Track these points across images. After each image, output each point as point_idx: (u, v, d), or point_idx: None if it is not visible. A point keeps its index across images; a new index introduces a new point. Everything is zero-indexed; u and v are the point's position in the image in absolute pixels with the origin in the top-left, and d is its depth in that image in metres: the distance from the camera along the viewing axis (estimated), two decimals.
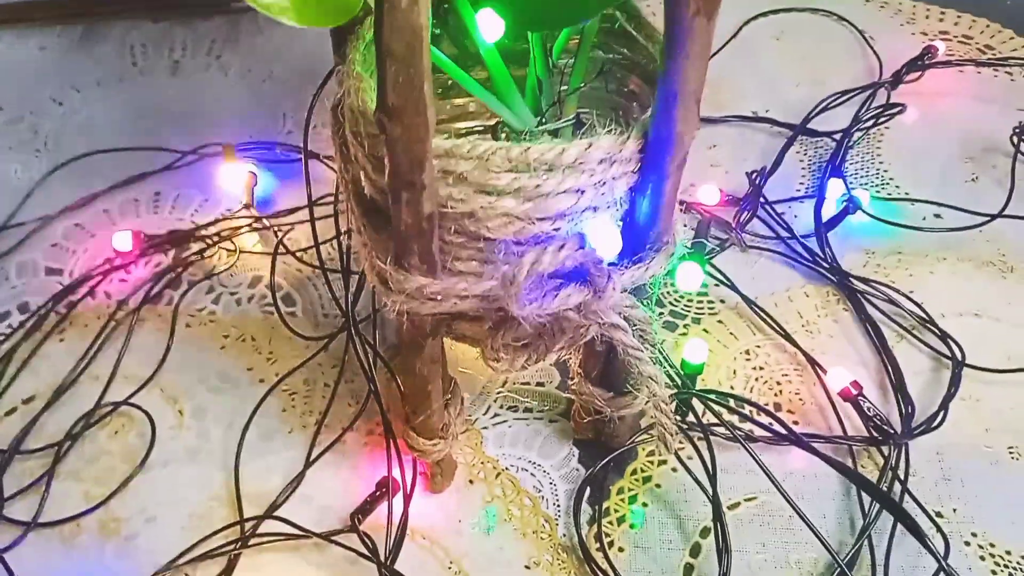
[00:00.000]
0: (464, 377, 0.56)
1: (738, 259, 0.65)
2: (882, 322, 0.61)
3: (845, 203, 0.66)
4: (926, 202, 0.68)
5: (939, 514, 0.51)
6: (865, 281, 0.63)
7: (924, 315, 0.61)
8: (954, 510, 0.51)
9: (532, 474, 0.53)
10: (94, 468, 0.54)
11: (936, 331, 0.60)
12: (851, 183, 0.70)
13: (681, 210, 0.66)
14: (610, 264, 0.40)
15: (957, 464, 0.54)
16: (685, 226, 0.66)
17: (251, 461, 0.54)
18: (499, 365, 0.44)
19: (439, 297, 0.40)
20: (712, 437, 0.53)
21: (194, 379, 0.58)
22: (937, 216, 0.68)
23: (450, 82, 0.51)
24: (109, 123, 0.76)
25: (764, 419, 0.55)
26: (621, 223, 0.41)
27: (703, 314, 0.62)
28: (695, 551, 0.50)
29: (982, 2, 0.87)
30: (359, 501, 0.50)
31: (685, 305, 0.62)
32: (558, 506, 0.52)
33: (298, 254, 0.64)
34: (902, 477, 0.52)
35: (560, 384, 0.57)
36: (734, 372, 0.58)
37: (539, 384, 0.58)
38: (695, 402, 0.54)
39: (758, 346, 0.60)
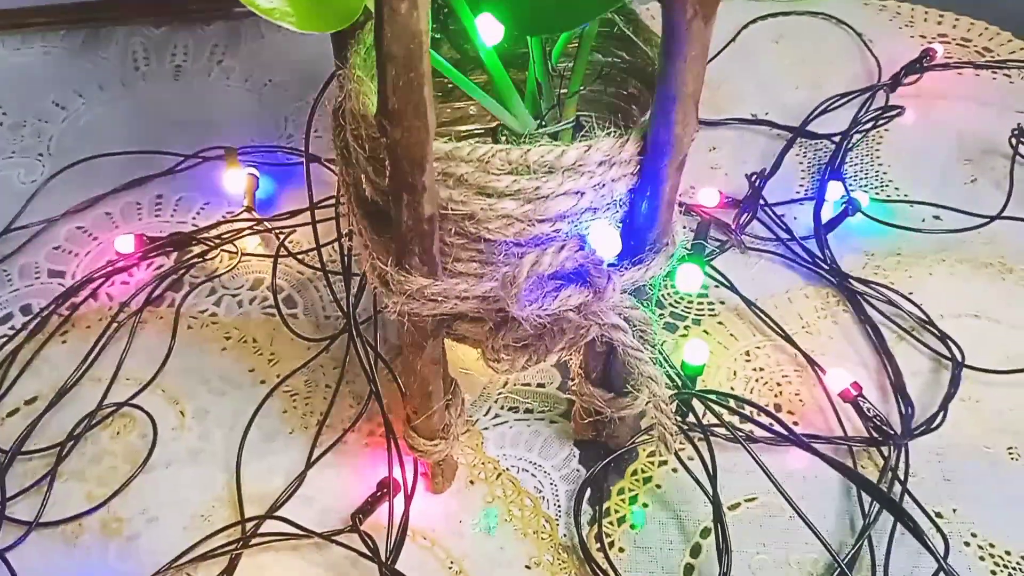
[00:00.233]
0: (465, 378, 0.56)
1: (738, 261, 0.65)
2: (882, 323, 0.61)
3: (844, 205, 0.67)
4: (925, 204, 0.69)
5: (939, 514, 0.51)
6: (865, 282, 0.63)
7: (924, 316, 0.61)
8: (954, 510, 0.52)
9: (533, 475, 0.53)
10: (96, 468, 0.54)
11: (935, 332, 0.60)
12: (850, 185, 0.70)
13: (681, 212, 0.66)
14: (610, 265, 0.40)
15: (957, 465, 0.54)
16: (684, 227, 0.66)
17: (252, 462, 0.54)
18: (500, 366, 0.44)
19: (440, 298, 0.40)
20: (712, 437, 0.53)
21: (196, 380, 0.58)
22: (936, 218, 0.68)
23: (450, 85, 0.51)
24: (112, 127, 0.76)
25: (764, 420, 0.55)
26: (621, 225, 0.41)
27: (703, 315, 0.62)
28: (695, 551, 0.50)
29: (981, 4, 0.88)
30: (360, 501, 0.50)
31: (685, 306, 0.62)
32: (559, 506, 0.52)
33: (299, 256, 0.65)
34: (902, 478, 0.52)
35: (561, 385, 0.58)
36: (734, 373, 0.59)
37: (540, 385, 0.58)
38: (695, 403, 0.54)
39: (758, 347, 0.60)
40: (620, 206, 0.41)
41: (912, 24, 0.86)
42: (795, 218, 0.68)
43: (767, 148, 0.74)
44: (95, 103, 0.78)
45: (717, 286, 0.63)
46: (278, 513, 0.51)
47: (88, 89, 0.80)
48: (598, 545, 0.50)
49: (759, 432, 0.54)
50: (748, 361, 0.59)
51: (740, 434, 0.53)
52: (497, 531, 0.51)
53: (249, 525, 0.51)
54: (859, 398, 0.54)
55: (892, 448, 0.53)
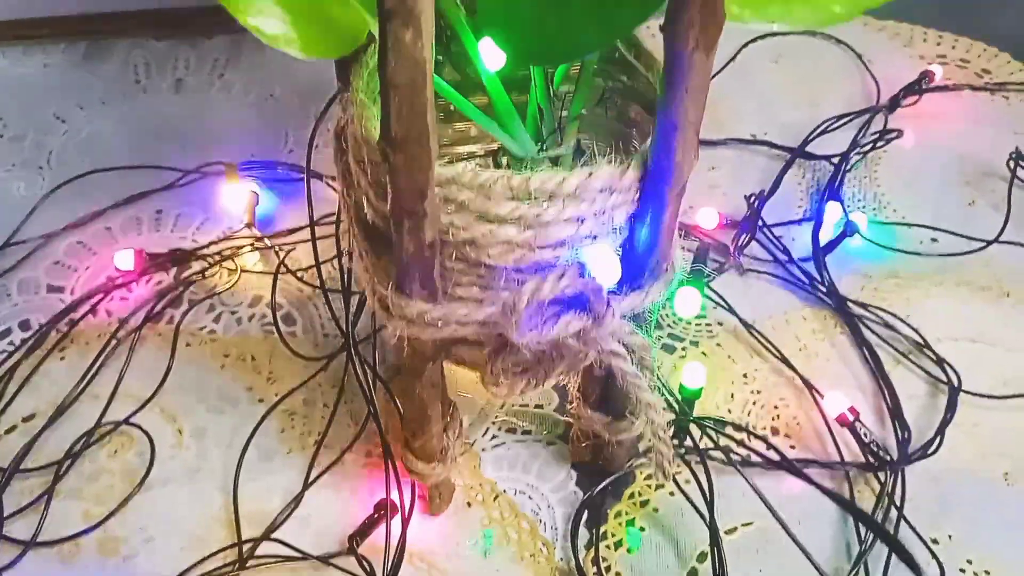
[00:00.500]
0: (463, 400, 0.56)
1: (736, 282, 0.65)
2: (879, 346, 0.61)
3: (843, 227, 0.67)
4: (923, 227, 0.69)
5: (935, 540, 0.51)
6: (862, 305, 0.63)
7: (920, 340, 0.61)
8: (949, 536, 0.52)
9: (530, 497, 0.53)
10: (94, 487, 0.54)
11: (932, 356, 0.60)
12: (848, 206, 0.70)
13: (680, 234, 0.66)
14: (609, 291, 0.41)
15: (953, 490, 0.54)
16: (684, 247, 0.66)
17: (250, 481, 0.54)
18: (498, 390, 0.44)
19: (440, 323, 0.40)
20: (710, 461, 0.53)
21: (194, 398, 0.58)
22: (934, 240, 0.69)
23: (452, 107, 0.51)
24: (112, 141, 0.76)
25: (761, 445, 0.55)
26: (620, 250, 0.41)
27: (701, 336, 0.62)
28: None
29: (979, 25, 0.88)
30: (357, 523, 0.50)
31: (683, 327, 0.62)
32: (555, 529, 0.52)
33: (299, 274, 0.65)
34: (898, 503, 0.52)
35: (558, 406, 0.58)
36: (732, 395, 0.59)
37: (538, 406, 0.58)
38: (693, 426, 0.54)
39: (756, 369, 0.60)
40: (620, 232, 0.41)
41: (911, 44, 0.87)
42: (793, 239, 0.69)
43: (766, 168, 0.74)
44: (96, 116, 0.78)
45: (715, 307, 0.63)
46: (275, 535, 0.51)
47: (89, 102, 0.80)
48: (595, 569, 0.50)
49: (755, 457, 0.54)
50: (746, 383, 0.59)
51: (737, 459, 0.53)
52: (494, 554, 0.51)
53: (246, 547, 0.50)
54: (856, 423, 0.54)
55: (888, 473, 0.53)
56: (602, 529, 0.52)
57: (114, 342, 0.61)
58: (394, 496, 0.51)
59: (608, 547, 0.51)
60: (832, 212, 0.68)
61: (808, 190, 0.73)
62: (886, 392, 0.58)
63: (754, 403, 0.58)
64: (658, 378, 0.44)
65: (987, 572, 0.50)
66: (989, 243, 0.66)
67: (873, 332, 0.62)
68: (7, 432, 0.56)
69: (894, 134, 0.74)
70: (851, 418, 0.54)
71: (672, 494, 0.53)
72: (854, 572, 0.49)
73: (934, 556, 0.50)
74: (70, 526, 0.52)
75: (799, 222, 0.70)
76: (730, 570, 0.49)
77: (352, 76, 0.42)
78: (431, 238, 0.38)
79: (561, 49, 0.30)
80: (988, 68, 0.84)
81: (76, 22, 0.86)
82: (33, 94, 0.81)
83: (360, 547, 0.49)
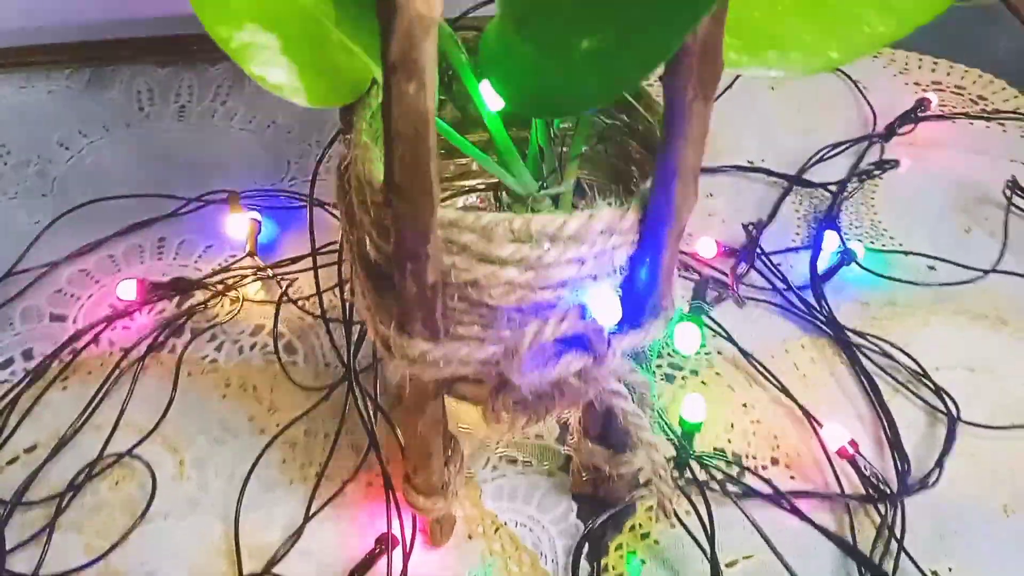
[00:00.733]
0: (464, 432, 0.57)
1: (735, 311, 0.66)
2: (877, 375, 0.62)
3: (840, 255, 0.67)
4: (920, 255, 0.69)
5: (935, 573, 0.51)
6: (860, 334, 0.64)
7: (919, 369, 0.62)
8: (949, 569, 0.52)
9: (531, 529, 0.54)
10: (95, 519, 0.54)
11: (931, 385, 0.61)
12: (846, 234, 0.71)
13: (679, 268, 0.66)
14: (610, 330, 0.41)
15: (952, 522, 0.54)
16: (683, 275, 0.67)
17: (251, 513, 0.54)
18: (500, 426, 0.44)
19: (441, 363, 0.41)
20: (710, 493, 0.53)
21: (195, 429, 0.59)
22: (931, 268, 0.69)
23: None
24: (116, 168, 0.76)
25: (761, 476, 0.55)
26: (620, 290, 0.42)
27: (701, 366, 0.62)
28: None
29: (975, 51, 0.89)
30: (358, 556, 0.50)
31: (683, 357, 0.63)
32: (556, 562, 0.52)
33: (300, 303, 0.65)
34: (898, 535, 0.52)
35: (559, 437, 0.58)
36: (732, 425, 0.59)
37: (538, 436, 0.58)
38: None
39: (756, 399, 0.61)
40: (620, 272, 0.41)
41: (907, 71, 0.88)
42: (791, 267, 0.69)
43: (764, 195, 0.75)
44: (99, 143, 0.79)
45: (715, 335, 0.64)
46: (276, 569, 0.51)
47: (93, 129, 0.80)
48: None
49: (754, 490, 0.54)
50: (746, 413, 0.60)
51: (736, 491, 0.53)
52: None
53: None
54: (856, 455, 0.54)
55: (888, 506, 0.53)
56: (603, 562, 0.52)
57: (116, 372, 0.61)
58: (395, 528, 0.51)
59: None
60: (830, 240, 0.68)
61: (806, 217, 0.73)
62: (885, 422, 0.59)
63: (754, 433, 0.59)
64: (659, 413, 0.44)
65: None
66: (986, 272, 0.67)
67: (872, 361, 0.62)
68: (9, 463, 0.57)
69: (890, 164, 0.75)
70: (851, 451, 0.54)
71: (673, 526, 0.53)
72: None
73: None
74: (72, 560, 0.52)
75: (797, 250, 0.70)
76: None
77: (355, 118, 0.42)
78: (433, 280, 0.39)
79: (562, 102, 0.31)
80: (984, 95, 0.85)
81: (80, 49, 0.87)
82: (37, 121, 0.81)
83: None
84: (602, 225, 0.39)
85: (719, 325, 0.64)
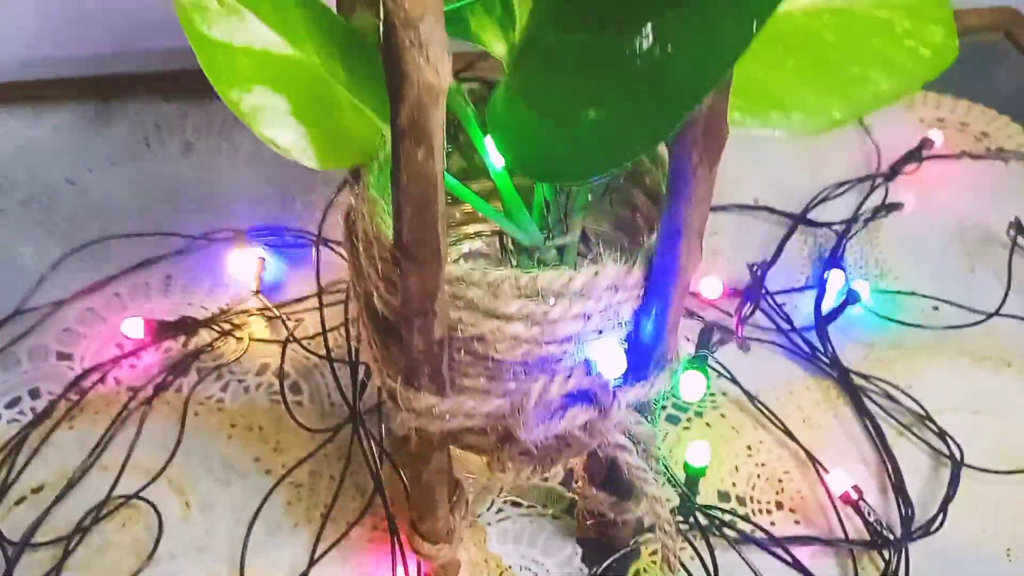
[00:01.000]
0: (469, 478, 0.57)
1: (740, 351, 0.66)
2: (881, 418, 0.62)
3: (845, 295, 0.68)
4: (924, 296, 0.69)
5: None
6: (864, 377, 0.64)
7: (922, 411, 0.62)
8: None
9: (535, 573, 0.54)
10: (102, 561, 0.54)
11: (934, 429, 0.61)
12: (850, 273, 0.71)
13: (684, 313, 0.67)
14: (615, 383, 0.41)
15: (956, 566, 0.54)
16: (688, 318, 0.67)
17: (256, 556, 0.54)
18: (505, 476, 0.44)
19: (447, 416, 0.41)
20: (714, 538, 0.53)
21: (201, 469, 0.59)
22: (935, 309, 0.69)
23: None
24: (122, 205, 0.77)
25: (766, 519, 0.55)
26: (625, 343, 0.42)
27: (705, 407, 0.63)
28: None
29: (978, 86, 0.89)
30: None
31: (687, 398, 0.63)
32: None
33: (305, 342, 0.65)
34: None
35: (564, 480, 0.58)
36: (736, 468, 0.59)
37: (543, 479, 0.58)
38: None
39: (760, 441, 0.61)
40: (625, 326, 0.41)
41: (910, 107, 0.88)
42: (796, 307, 0.69)
43: (768, 234, 0.75)
44: (106, 179, 0.80)
45: (719, 376, 0.64)
46: None
47: (99, 164, 0.81)
48: None
49: (759, 534, 0.54)
50: (750, 456, 0.60)
51: (740, 537, 0.53)
52: None
53: None
54: (860, 501, 0.54)
55: (892, 552, 0.53)
56: None
57: (123, 413, 0.61)
58: (400, 573, 0.51)
59: None
60: (835, 280, 0.69)
61: (810, 256, 0.74)
62: (889, 466, 0.59)
63: (758, 476, 0.59)
64: (664, 465, 0.44)
65: None
66: (988, 317, 0.67)
67: (875, 403, 0.63)
68: (16, 503, 0.57)
69: (895, 208, 0.75)
70: (855, 496, 0.54)
71: (677, 571, 0.53)
72: None
73: None
74: None
75: (801, 289, 0.71)
76: None
77: (363, 170, 0.43)
78: (440, 335, 0.39)
79: (567, 170, 0.31)
80: (987, 131, 0.85)
81: (87, 84, 0.87)
82: (43, 156, 0.82)
83: None
84: (608, 281, 0.39)
85: (723, 367, 0.64)
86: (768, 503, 0.57)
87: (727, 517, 0.55)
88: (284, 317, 0.67)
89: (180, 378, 0.64)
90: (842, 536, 0.55)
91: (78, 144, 0.83)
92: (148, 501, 0.57)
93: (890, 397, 0.63)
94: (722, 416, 0.62)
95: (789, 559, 0.53)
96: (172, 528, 0.56)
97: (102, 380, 0.63)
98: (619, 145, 0.29)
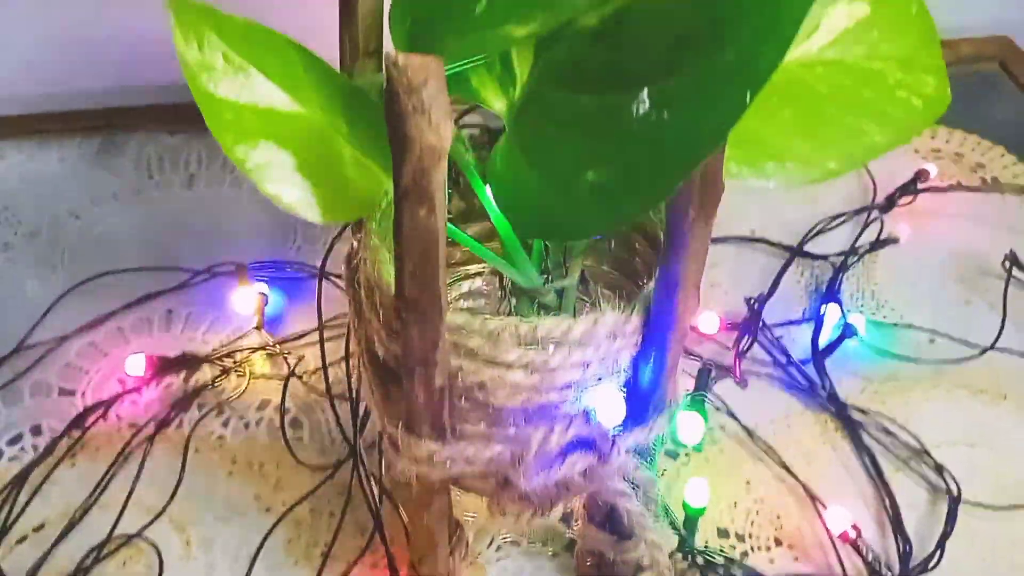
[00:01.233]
0: (469, 520, 0.57)
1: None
2: (879, 452, 0.62)
3: (842, 329, 0.68)
4: (920, 329, 0.70)
5: None
6: (862, 411, 0.64)
7: (919, 445, 0.62)
8: None
9: None
10: None
11: (932, 463, 0.61)
12: (847, 305, 0.71)
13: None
14: (614, 429, 0.42)
15: None
16: (686, 356, 0.67)
17: None
18: (505, 520, 0.45)
19: (448, 463, 0.41)
20: None
21: (202, 507, 0.59)
22: (931, 341, 0.70)
23: None
24: (125, 238, 0.77)
25: (765, 556, 0.55)
26: (624, 389, 0.42)
27: (704, 441, 0.63)
28: None
29: (974, 117, 0.90)
30: None
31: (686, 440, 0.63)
32: None
33: (305, 378, 0.66)
34: None
35: (563, 518, 0.58)
36: (735, 503, 0.59)
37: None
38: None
39: (759, 476, 0.61)
40: (624, 372, 0.42)
41: None
42: (793, 339, 0.70)
43: (766, 266, 0.76)
44: (109, 212, 0.80)
45: (718, 409, 0.64)
46: None
47: (103, 198, 0.82)
48: None
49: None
50: (748, 492, 0.60)
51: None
52: None
53: None
54: (858, 540, 0.54)
55: None
56: None
57: (125, 450, 0.61)
58: None
59: None
60: (831, 313, 0.69)
61: (807, 288, 0.74)
62: (887, 502, 0.59)
63: (757, 512, 0.59)
64: (663, 507, 0.45)
65: None
66: (984, 351, 0.67)
67: (873, 438, 0.63)
68: (18, 542, 0.57)
69: (891, 241, 0.76)
70: (853, 535, 0.55)
71: None
72: None
73: None
74: None
75: (799, 322, 0.71)
76: None
77: (364, 218, 0.43)
78: (441, 383, 0.39)
79: (566, 229, 0.32)
80: (982, 162, 0.86)
81: (91, 116, 0.88)
82: (48, 189, 0.82)
83: None
84: (607, 330, 0.40)
85: (721, 400, 0.64)
86: (767, 539, 0.57)
87: (726, 554, 0.56)
88: (285, 353, 0.67)
89: (181, 414, 0.64)
90: (840, 574, 0.55)
91: (82, 177, 0.84)
92: (148, 539, 0.57)
93: (887, 431, 0.63)
94: (720, 450, 0.62)
95: None
96: (173, 566, 0.56)
97: (104, 417, 0.64)
98: (616, 207, 0.30)
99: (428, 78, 0.29)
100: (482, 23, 0.31)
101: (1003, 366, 0.68)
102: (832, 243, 0.77)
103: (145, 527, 0.57)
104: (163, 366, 0.66)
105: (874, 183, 0.82)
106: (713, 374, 0.62)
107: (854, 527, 0.55)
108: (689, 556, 0.54)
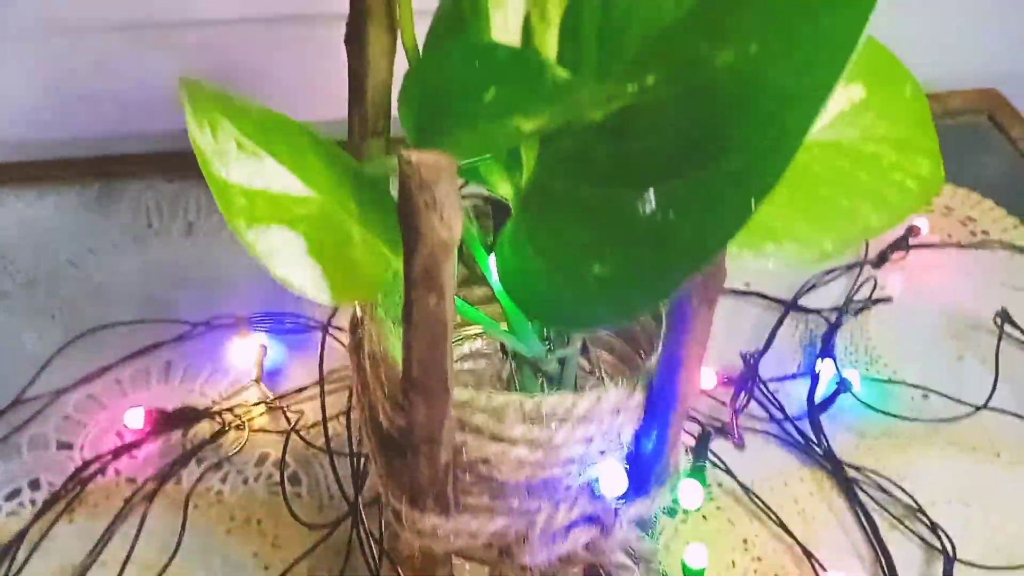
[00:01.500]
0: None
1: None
2: (875, 510, 0.63)
3: (836, 385, 0.69)
4: (914, 386, 0.71)
5: None
6: (857, 468, 0.65)
7: (914, 504, 0.63)
8: None
9: None
10: None
11: (927, 522, 0.62)
12: (841, 359, 0.72)
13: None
14: (617, 501, 0.42)
15: None
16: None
17: None
18: None
19: (452, 537, 0.42)
20: None
21: (199, 566, 0.59)
22: (925, 396, 0.70)
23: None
24: (123, 289, 0.78)
25: None
26: (626, 462, 0.43)
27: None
28: None
29: (963, 171, 0.92)
30: None
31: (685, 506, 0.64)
32: None
33: (304, 433, 0.66)
34: None
35: None
36: (733, 563, 0.60)
37: None
38: None
39: (756, 535, 0.61)
40: (627, 445, 0.42)
41: None
42: (788, 394, 0.70)
43: (760, 319, 0.77)
44: (108, 262, 0.80)
45: (714, 466, 0.65)
46: None
47: (102, 247, 0.82)
48: None
49: None
50: (746, 551, 0.60)
51: None
52: None
53: None
54: None
55: None
56: None
57: (123, 507, 0.61)
58: None
59: None
60: (826, 369, 0.70)
61: (801, 342, 0.75)
62: (883, 561, 0.59)
63: (755, 572, 0.59)
64: (661, 567, 0.45)
65: None
66: (977, 410, 0.68)
67: (868, 495, 0.63)
68: None
69: (884, 299, 0.77)
70: None
71: None
72: None
73: None
74: None
75: (794, 376, 0.72)
76: None
77: None
78: (446, 460, 0.40)
79: (573, 319, 0.33)
80: (972, 215, 0.87)
81: (90, 164, 0.89)
82: (46, 238, 0.83)
83: None
84: (610, 405, 0.40)
85: (718, 458, 0.65)
86: None
87: None
88: (285, 408, 0.67)
89: (180, 469, 0.64)
90: None
91: (80, 225, 0.84)
92: None
93: (882, 489, 0.64)
94: (718, 508, 0.63)
95: None
96: None
97: (102, 472, 0.64)
98: (623, 301, 0.31)
99: (440, 176, 0.30)
100: (490, 111, 0.32)
101: (996, 423, 0.68)
102: (826, 296, 0.78)
103: None
104: (162, 420, 0.66)
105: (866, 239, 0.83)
106: (713, 438, 0.63)
107: None
108: None
